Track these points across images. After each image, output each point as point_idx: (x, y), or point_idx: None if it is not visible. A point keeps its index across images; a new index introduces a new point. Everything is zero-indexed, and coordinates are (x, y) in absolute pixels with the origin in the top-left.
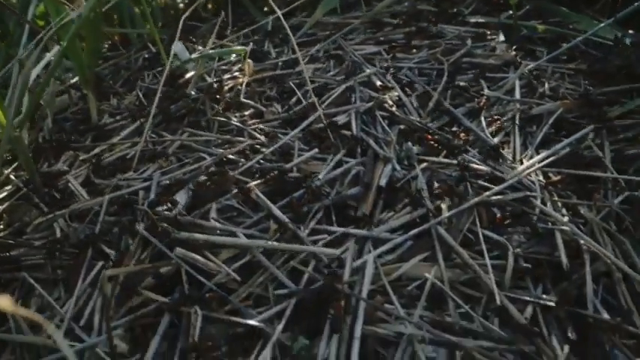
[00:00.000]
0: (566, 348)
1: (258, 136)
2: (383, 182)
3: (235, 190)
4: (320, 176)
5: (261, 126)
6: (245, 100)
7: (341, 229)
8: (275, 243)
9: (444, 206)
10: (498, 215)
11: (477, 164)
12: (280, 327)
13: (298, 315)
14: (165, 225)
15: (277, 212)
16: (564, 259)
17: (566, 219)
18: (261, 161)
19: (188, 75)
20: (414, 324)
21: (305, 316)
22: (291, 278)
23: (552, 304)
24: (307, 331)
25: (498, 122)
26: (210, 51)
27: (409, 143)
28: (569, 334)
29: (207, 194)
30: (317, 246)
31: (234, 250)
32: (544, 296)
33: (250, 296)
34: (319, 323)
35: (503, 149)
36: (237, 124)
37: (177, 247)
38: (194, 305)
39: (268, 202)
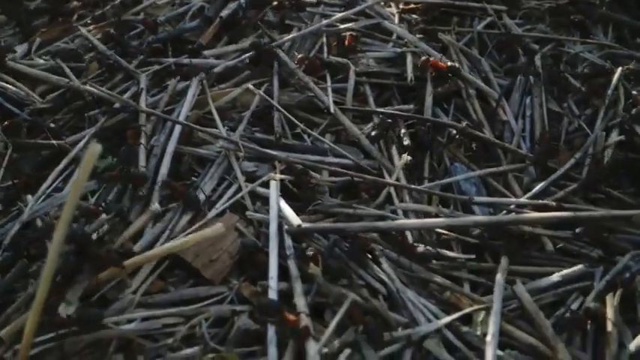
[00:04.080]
0: (405, 158)
1: None
2: (224, 14)
3: (71, 35)
4: (161, 15)
5: None
6: None
7: (172, 60)
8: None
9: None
10: (347, 40)
11: None
12: (82, 144)
13: (107, 137)
14: None
15: (102, 47)
16: (410, 75)
17: (420, 42)
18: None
19: None
20: (232, 140)
21: (112, 138)
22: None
23: (396, 112)
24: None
25: None
26: None
27: None
28: (405, 142)
29: (44, 42)
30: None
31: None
32: (385, 110)
33: (65, 125)
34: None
35: None
36: None
37: None
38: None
39: (94, 39)
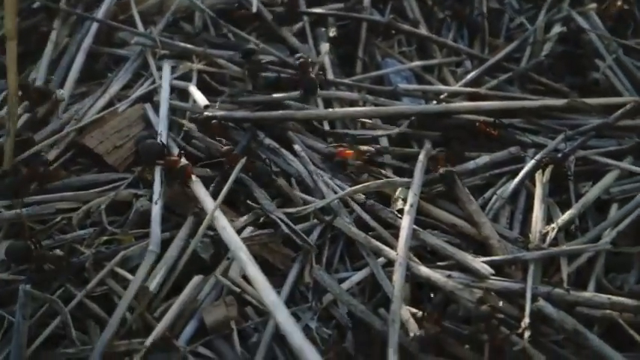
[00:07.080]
0: (327, 46)
1: None
2: None
3: None
4: None
5: None
6: None
7: None
8: None
9: None
10: None
11: None
12: None
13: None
14: None
15: None
16: None
17: None
18: None
19: None
20: (149, 37)
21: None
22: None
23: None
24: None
25: None
26: None
27: None
28: (331, 34)
29: None
30: None
31: None
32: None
33: None
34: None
35: None
36: None
37: None
38: None
39: None
